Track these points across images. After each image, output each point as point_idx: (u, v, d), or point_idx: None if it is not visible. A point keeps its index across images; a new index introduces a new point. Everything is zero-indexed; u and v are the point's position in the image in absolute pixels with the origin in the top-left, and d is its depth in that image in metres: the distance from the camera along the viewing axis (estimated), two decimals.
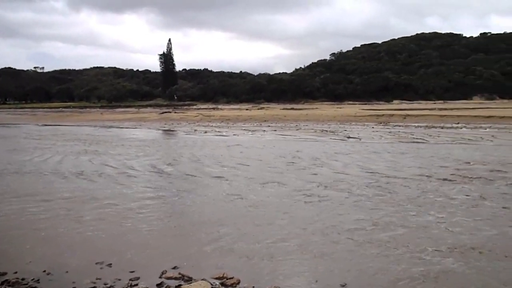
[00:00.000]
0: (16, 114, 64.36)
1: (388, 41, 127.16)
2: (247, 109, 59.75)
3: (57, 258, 5.79)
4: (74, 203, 8.72)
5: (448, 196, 8.85)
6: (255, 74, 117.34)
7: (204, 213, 7.92)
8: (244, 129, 28.93)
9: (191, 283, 4.95)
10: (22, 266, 5.50)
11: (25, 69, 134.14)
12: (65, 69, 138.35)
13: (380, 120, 35.40)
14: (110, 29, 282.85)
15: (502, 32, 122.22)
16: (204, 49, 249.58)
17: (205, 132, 27.28)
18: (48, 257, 5.85)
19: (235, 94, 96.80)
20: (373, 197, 8.88)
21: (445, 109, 51.00)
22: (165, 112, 52.33)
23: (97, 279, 5.09)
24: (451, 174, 11.08)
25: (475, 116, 36.36)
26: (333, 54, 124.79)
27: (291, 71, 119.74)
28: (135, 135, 26.40)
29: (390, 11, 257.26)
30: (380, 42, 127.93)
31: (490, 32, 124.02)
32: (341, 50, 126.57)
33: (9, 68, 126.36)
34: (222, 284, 4.94)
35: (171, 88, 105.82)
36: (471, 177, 10.64)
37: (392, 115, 39.84)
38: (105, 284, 4.97)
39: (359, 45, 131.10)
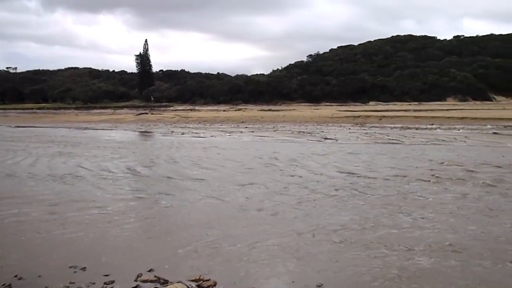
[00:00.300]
0: None
1: (365, 43, 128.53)
2: (224, 110, 59.66)
3: (30, 263, 5.66)
4: (46, 206, 8.55)
5: (423, 196, 8.98)
6: (233, 75, 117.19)
7: (181, 215, 7.86)
8: (222, 131, 28.87)
9: (167, 285, 4.90)
10: None
11: None
12: (39, 70, 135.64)
13: (356, 121, 35.75)
14: (85, 30, 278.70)
15: (474, 35, 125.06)
16: (181, 50, 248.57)
17: (182, 133, 27.12)
18: (21, 261, 5.72)
19: (212, 95, 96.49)
20: (350, 197, 8.95)
21: (420, 110, 51.81)
22: (142, 114, 51.87)
23: (70, 283, 4.99)
24: (426, 175, 11.25)
25: (449, 117, 37.06)
26: (310, 56, 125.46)
27: (269, 72, 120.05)
28: (111, 136, 26.07)
29: (366, 14, 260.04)
30: (356, 44, 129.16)
31: (463, 35, 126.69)
32: (318, 52, 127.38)
33: None
34: (198, 286, 4.90)
35: (147, 89, 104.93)
36: (445, 178, 10.83)
37: (368, 116, 40.30)
38: None
39: (335, 47, 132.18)
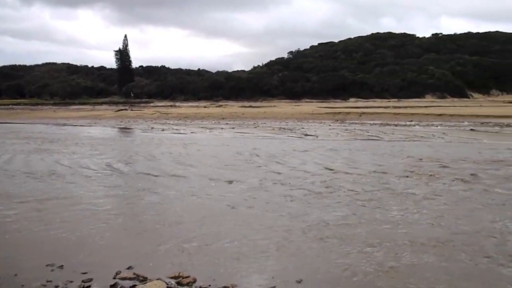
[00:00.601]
0: None
1: (345, 40, 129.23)
2: (205, 107, 59.47)
3: (5, 261, 5.56)
4: (23, 203, 8.41)
5: (403, 192, 9.08)
6: (213, 72, 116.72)
7: (161, 213, 7.81)
8: (202, 127, 28.77)
9: (146, 283, 4.86)
10: None
11: None
12: (15, 65, 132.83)
13: (336, 118, 36.01)
14: (64, 24, 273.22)
15: (452, 33, 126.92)
16: (161, 46, 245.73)
17: (162, 130, 26.94)
18: None
19: (193, 92, 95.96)
20: (330, 194, 9.00)
21: (399, 107, 52.38)
22: (121, 110, 51.39)
23: (47, 281, 4.92)
24: (405, 171, 11.38)
25: (427, 114, 37.59)
26: (291, 53, 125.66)
27: (249, 69, 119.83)
28: (90, 133, 25.77)
29: (346, 11, 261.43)
30: (337, 41, 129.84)
31: (441, 33, 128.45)
32: (299, 49, 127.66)
33: None
34: (178, 283, 4.88)
35: (127, 85, 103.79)
36: (424, 174, 10.97)
37: (349, 113, 40.63)
38: (56, 287, 4.81)
39: (316, 44, 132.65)
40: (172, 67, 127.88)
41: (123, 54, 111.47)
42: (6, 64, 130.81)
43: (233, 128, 27.66)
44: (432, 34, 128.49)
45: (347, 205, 8.06)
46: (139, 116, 41.06)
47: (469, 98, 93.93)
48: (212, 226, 6.89)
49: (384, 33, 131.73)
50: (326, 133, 23.08)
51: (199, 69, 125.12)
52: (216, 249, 5.89)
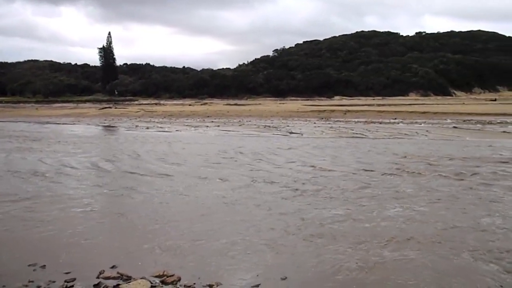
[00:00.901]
0: None
1: (329, 38, 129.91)
2: (190, 105, 59.21)
3: None
4: (4, 203, 8.27)
5: (387, 189, 9.15)
6: (199, 70, 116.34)
7: (146, 211, 7.75)
8: (187, 125, 28.65)
9: (130, 282, 4.83)
10: None
11: None
12: None
13: (321, 116, 36.13)
14: (46, 21, 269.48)
15: (435, 31, 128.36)
16: (146, 43, 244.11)
17: (147, 128, 26.76)
18: None
19: (178, 90, 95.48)
20: (314, 191, 9.03)
21: (383, 105, 52.82)
22: (105, 108, 50.91)
23: (29, 281, 4.85)
24: (389, 168, 11.46)
25: (411, 112, 37.94)
26: (276, 51, 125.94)
27: (235, 66, 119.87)
28: (73, 131, 25.48)
29: (331, 9, 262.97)
30: (321, 39, 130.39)
31: (424, 32, 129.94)
32: (284, 47, 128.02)
33: None
34: (162, 282, 4.85)
35: (111, 83, 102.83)
36: (408, 171, 11.06)
37: (333, 110, 40.81)
38: (38, 287, 4.75)
39: (301, 42, 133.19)
40: (157, 64, 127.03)
41: (107, 52, 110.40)
42: None
43: (218, 126, 27.60)
44: (416, 33, 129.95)
45: (333, 203, 8.09)
46: (123, 114, 40.74)
47: (452, 96, 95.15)
48: (197, 225, 6.86)
49: (368, 31, 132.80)
50: (311, 131, 23.15)
51: (184, 67, 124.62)
52: (202, 248, 5.87)
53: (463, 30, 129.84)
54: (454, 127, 24.92)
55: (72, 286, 4.78)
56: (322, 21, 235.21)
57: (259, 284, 4.78)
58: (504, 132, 21.92)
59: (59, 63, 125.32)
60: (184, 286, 4.77)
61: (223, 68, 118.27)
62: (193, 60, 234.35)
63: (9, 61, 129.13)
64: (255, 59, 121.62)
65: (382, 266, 5.21)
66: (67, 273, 5.05)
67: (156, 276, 4.95)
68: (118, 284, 4.79)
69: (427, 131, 22.38)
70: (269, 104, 58.01)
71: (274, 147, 16.27)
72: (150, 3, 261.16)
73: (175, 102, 74.14)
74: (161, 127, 26.91)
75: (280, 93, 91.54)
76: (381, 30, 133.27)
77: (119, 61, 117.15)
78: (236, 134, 22.21)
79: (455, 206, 7.81)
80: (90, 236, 6.38)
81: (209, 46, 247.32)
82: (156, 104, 65.50)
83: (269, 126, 26.64)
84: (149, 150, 15.55)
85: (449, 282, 4.81)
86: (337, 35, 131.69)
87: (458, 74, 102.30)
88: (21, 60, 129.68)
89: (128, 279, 4.91)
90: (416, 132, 21.87)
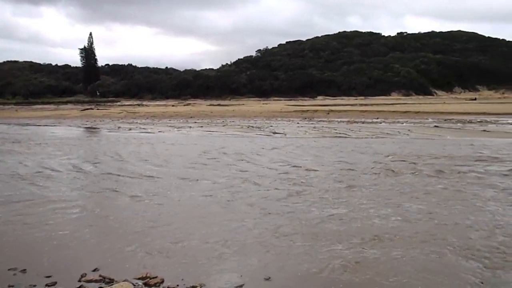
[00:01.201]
0: None
1: (312, 38, 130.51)
2: (173, 106, 59.00)
3: None
4: None
5: (369, 188, 9.21)
6: (181, 70, 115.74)
7: (128, 213, 7.68)
8: (170, 126, 28.51)
9: (112, 284, 4.78)
10: None
11: None
12: None
13: (304, 116, 36.28)
14: (26, 22, 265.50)
15: (417, 32, 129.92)
16: (128, 44, 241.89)
17: (130, 129, 26.56)
18: None
19: (161, 91, 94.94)
20: (299, 192, 9.05)
21: (366, 104, 53.27)
22: (87, 109, 50.45)
23: (9, 286, 4.77)
24: (372, 167, 11.56)
25: (393, 111, 38.34)
26: (259, 51, 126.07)
27: (218, 67, 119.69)
28: (54, 133, 25.16)
29: (313, 9, 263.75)
30: (304, 39, 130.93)
31: (406, 32, 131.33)
32: (267, 47, 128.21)
33: None
34: (145, 284, 4.81)
35: (93, 84, 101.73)
36: (390, 169, 11.17)
37: (316, 110, 41.02)
38: None
39: (284, 42, 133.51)
40: (139, 65, 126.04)
41: (88, 52, 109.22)
42: None
43: (202, 126, 27.52)
44: (397, 33, 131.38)
45: (316, 203, 8.11)
46: (105, 116, 40.38)
47: (433, 95, 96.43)
48: (181, 226, 6.82)
49: (350, 31, 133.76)
50: (294, 131, 23.22)
51: (167, 67, 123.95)
52: (185, 249, 5.84)
53: (444, 30, 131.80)
54: (435, 126, 25.24)
55: None
56: (304, 22, 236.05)
57: (243, 285, 4.78)
58: (484, 131, 22.26)
59: (40, 64, 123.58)
60: (168, 287, 4.74)
61: (206, 69, 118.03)
62: (176, 61, 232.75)
63: None
64: (238, 59, 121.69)
65: (364, 265, 5.24)
66: (48, 276, 4.98)
67: (139, 278, 4.91)
68: (100, 287, 4.74)
69: (409, 130, 22.62)
70: (252, 105, 58.03)
71: (257, 147, 16.28)
72: (133, 3, 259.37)
73: (158, 103, 73.75)
74: (144, 128, 26.73)
75: (263, 93, 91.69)
76: (363, 31, 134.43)
77: (101, 62, 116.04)
78: (220, 134, 22.17)
79: (436, 204, 7.90)
80: (71, 239, 6.30)
81: (192, 46, 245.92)
82: (138, 105, 65.05)
83: (253, 127, 26.64)
84: (132, 152, 15.43)
85: (431, 279, 4.86)
86: (319, 35, 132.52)
87: (439, 74, 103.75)
88: (0, 61, 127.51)
89: (110, 281, 4.86)
90: (398, 131, 22.09)
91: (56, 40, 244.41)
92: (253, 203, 8.14)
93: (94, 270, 5.15)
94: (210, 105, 58.60)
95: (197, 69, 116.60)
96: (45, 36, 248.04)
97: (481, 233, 6.32)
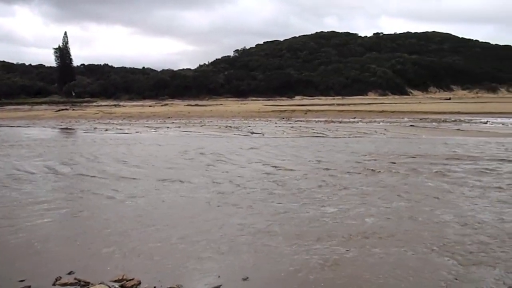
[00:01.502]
0: None
1: (290, 39, 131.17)
2: (150, 106, 58.50)
3: None
4: None
5: (346, 187, 9.28)
6: (159, 70, 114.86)
7: (104, 215, 7.58)
8: (147, 126, 28.25)
9: None
10: None
11: None
12: None
13: (282, 116, 36.39)
14: None
15: (392, 32, 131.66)
16: (104, 44, 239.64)
17: (106, 130, 26.21)
18: None
19: (138, 91, 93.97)
20: (276, 191, 9.06)
21: (343, 104, 53.77)
22: (62, 109, 49.56)
23: None
24: (349, 166, 11.65)
25: (370, 111, 38.78)
26: (236, 51, 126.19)
27: (195, 67, 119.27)
28: (28, 134, 24.65)
29: (290, 10, 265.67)
30: (282, 39, 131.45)
31: (382, 33, 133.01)
32: (245, 47, 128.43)
33: None
34: (121, 286, 4.75)
35: (68, 84, 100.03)
36: (367, 168, 11.27)
37: (294, 110, 41.19)
38: None
39: (262, 42, 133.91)
40: (115, 65, 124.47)
41: (63, 52, 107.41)
42: None
43: (179, 127, 27.34)
44: (374, 34, 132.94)
45: (294, 202, 8.14)
46: (81, 116, 39.78)
47: (409, 95, 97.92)
48: (158, 227, 6.76)
49: (327, 32, 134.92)
50: (272, 131, 23.26)
51: (144, 67, 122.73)
52: (162, 250, 5.79)
53: (419, 31, 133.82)
54: (411, 125, 25.61)
55: None
56: (281, 22, 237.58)
57: (220, 285, 4.76)
58: (458, 130, 22.68)
59: (12, 64, 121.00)
60: None
61: (183, 69, 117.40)
62: (153, 61, 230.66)
63: None
64: (216, 59, 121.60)
65: (341, 263, 5.27)
66: (21, 281, 4.88)
67: (115, 281, 4.84)
68: None
69: (385, 129, 22.89)
70: (230, 105, 57.97)
71: (235, 147, 16.25)
72: (109, 3, 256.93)
73: (135, 103, 73.00)
74: (120, 129, 26.42)
75: (241, 93, 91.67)
76: (340, 31, 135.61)
77: (76, 62, 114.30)
78: (198, 134, 22.06)
79: (411, 202, 8.01)
80: (46, 242, 6.18)
81: (170, 46, 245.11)
82: (115, 105, 64.26)
83: (231, 127, 26.60)
84: (108, 153, 15.24)
85: (406, 276, 4.92)
86: (297, 35, 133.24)
87: (415, 74, 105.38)
88: None
89: (86, 285, 4.79)
90: (375, 130, 22.33)
91: (29, 40, 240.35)
92: (232, 203, 8.12)
93: (69, 273, 5.06)
94: (188, 105, 58.27)
95: (175, 69, 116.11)
96: (18, 35, 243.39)
97: (454, 230, 6.42)
